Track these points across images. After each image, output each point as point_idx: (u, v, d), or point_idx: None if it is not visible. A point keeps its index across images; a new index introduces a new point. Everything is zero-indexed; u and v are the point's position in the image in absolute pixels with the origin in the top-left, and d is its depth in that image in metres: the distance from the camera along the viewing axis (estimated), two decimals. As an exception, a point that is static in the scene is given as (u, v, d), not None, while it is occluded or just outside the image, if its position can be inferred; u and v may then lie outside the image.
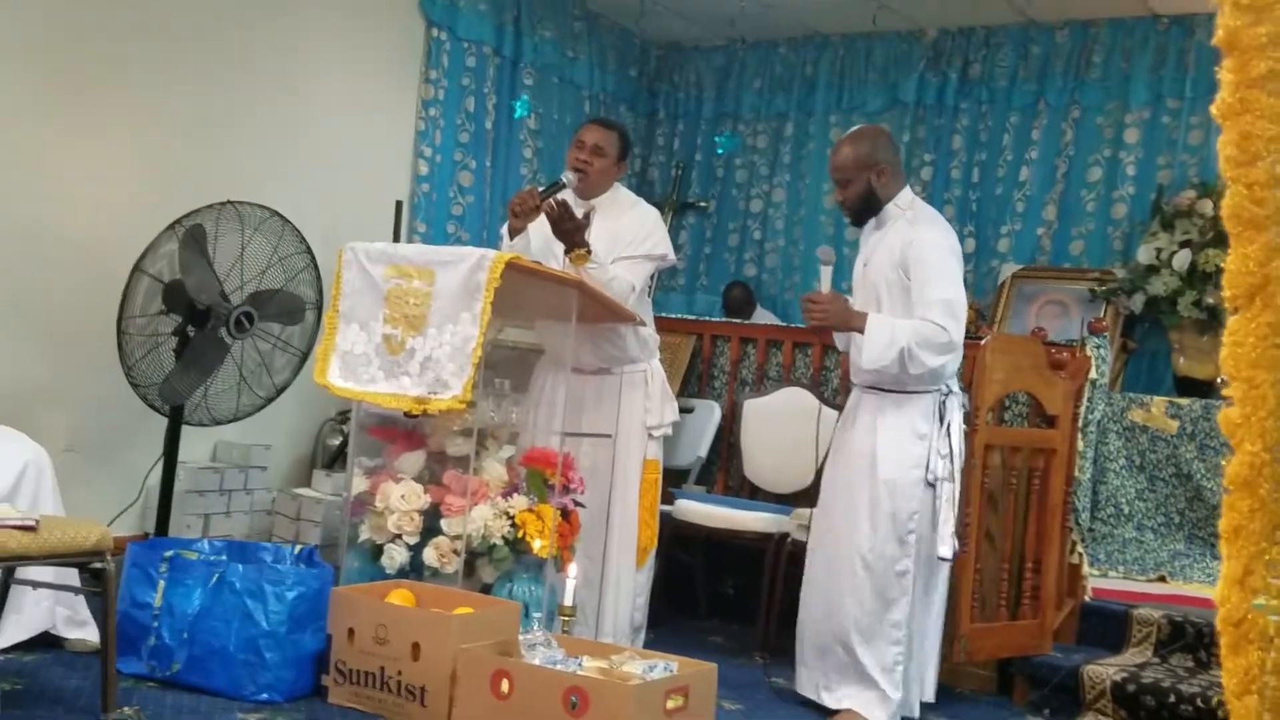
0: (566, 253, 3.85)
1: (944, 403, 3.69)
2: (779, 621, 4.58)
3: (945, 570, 3.80)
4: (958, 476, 3.72)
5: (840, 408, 4.17)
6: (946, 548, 3.66)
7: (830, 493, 3.87)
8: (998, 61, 6.62)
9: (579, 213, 3.84)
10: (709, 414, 5.38)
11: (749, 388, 5.39)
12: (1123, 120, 6.29)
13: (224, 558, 3.78)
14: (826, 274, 3.73)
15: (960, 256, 3.74)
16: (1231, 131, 1.21)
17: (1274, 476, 1.13)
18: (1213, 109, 1.25)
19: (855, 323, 3.63)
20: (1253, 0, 1.20)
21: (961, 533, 3.92)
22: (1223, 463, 1.19)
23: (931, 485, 3.67)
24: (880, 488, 3.67)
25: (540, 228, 4.00)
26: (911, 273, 3.61)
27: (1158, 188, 6.07)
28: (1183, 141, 6.12)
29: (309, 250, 4.39)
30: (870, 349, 3.56)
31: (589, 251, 3.84)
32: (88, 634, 3.72)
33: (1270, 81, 1.20)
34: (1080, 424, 4.48)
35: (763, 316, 6.79)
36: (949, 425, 3.67)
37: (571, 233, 3.80)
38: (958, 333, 3.59)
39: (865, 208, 3.77)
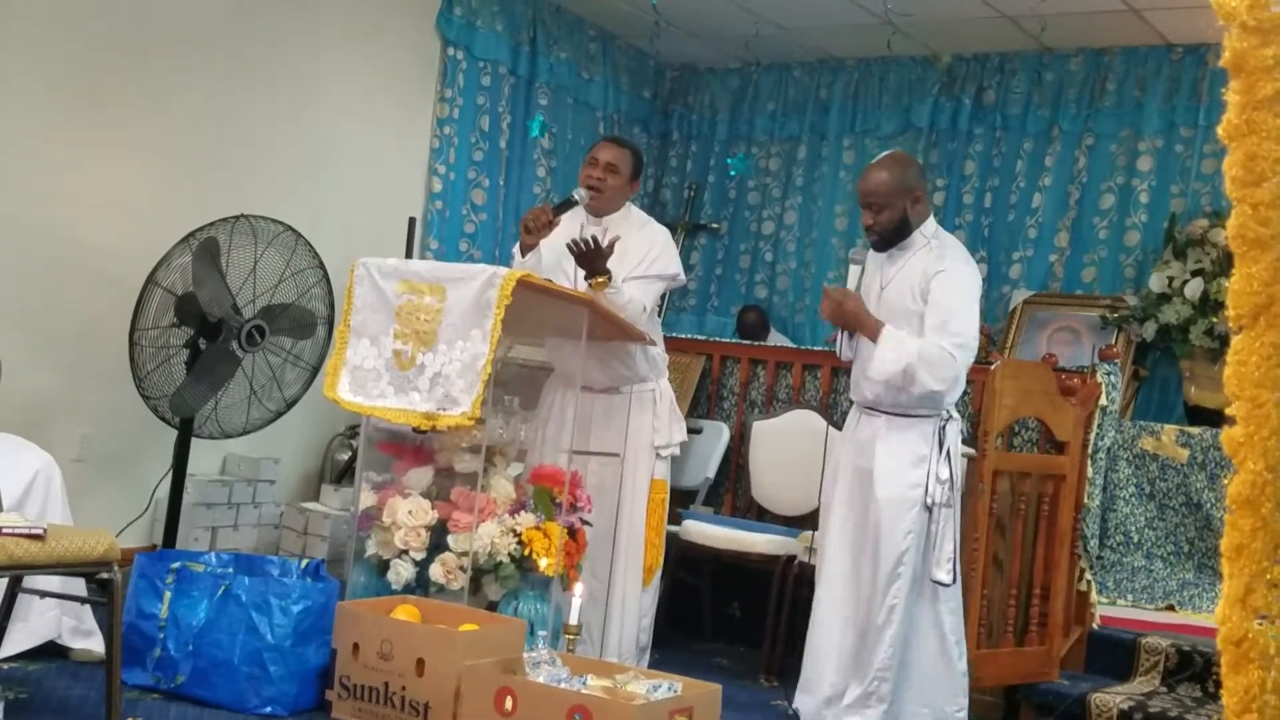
0: (587, 278, 3.86)
1: (943, 428, 3.65)
2: (785, 644, 4.57)
3: (943, 603, 3.70)
4: (957, 503, 3.67)
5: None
6: (944, 573, 3.61)
7: (829, 514, 3.84)
8: (1012, 88, 6.63)
9: (604, 241, 3.85)
10: (718, 435, 5.37)
11: (758, 409, 5.38)
12: (1136, 148, 6.30)
13: (231, 570, 3.79)
14: (854, 274, 3.71)
15: (980, 294, 3.74)
16: (1238, 152, 1.22)
17: (1276, 495, 1.12)
18: (1219, 130, 1.25)
19: (866, 328, 3.63)
20: (1260, 23, 1.20)
21: (968, 558, 3.91)
22: (1225, 482, 1.19)
23: (929, 509, 3.62)
24: (876, 506, 3.63)
25: (552, 244, 4.01)
26: (932, 299, 3.58)
27: (1170, 216, 6.07)
28: (1196, 170, 6.12)
29: (321, 265, 4.41)
30: (878, 360, 3.57)
31: (610, 278, 3.86)
32: (93, 644, 3.72)
33: (1276, 103, 1.20)
34: (1090, 451, 4.46)
35: (776, 340, 6.79)
36: (948, 451, 3.64)
37: (595, 261, 3.82)
38: (964, 364, 3.59)
39: (896, 234, 3.70)
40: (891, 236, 3.71)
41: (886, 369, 3.55)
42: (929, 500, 3.61)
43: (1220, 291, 5.55)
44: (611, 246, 3.85)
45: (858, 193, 3.81)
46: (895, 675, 3.64)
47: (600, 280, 3.84)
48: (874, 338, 3.59)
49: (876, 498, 3.63)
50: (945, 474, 3.62)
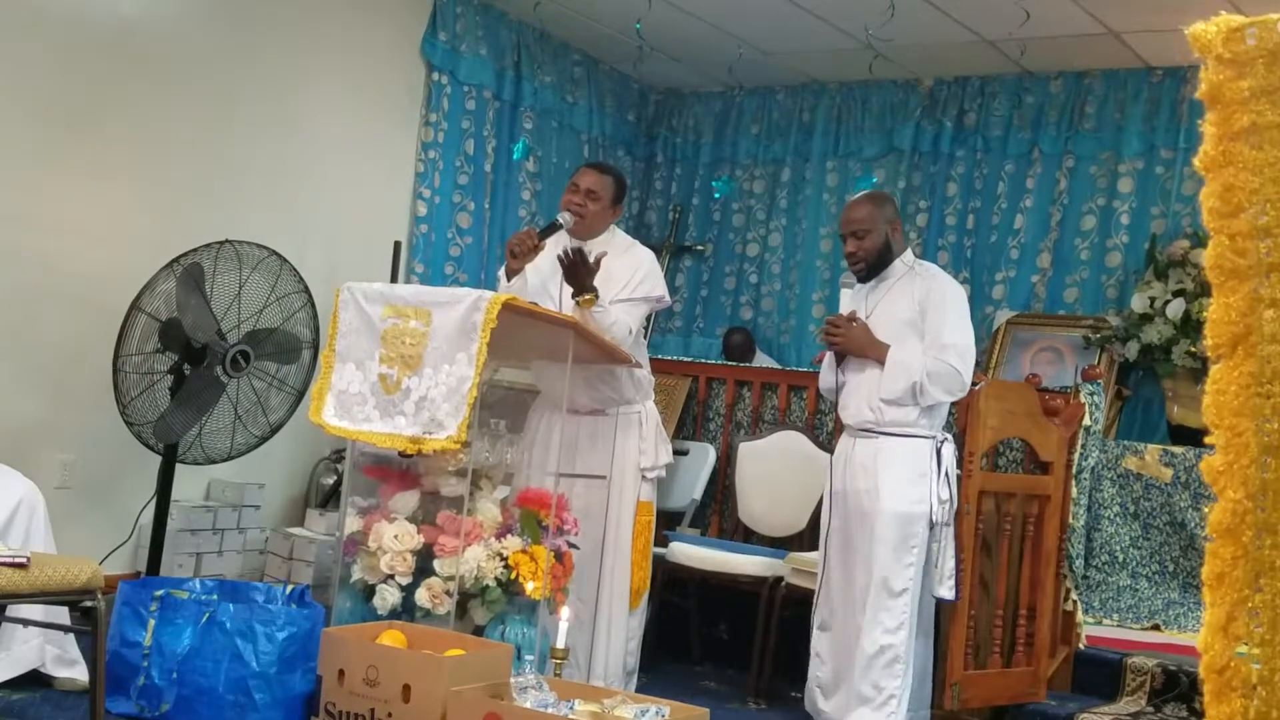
0: (574, 296, 3.87)
1: (939, 449, 3.82)
2: (773, 666, 4.56)
3: (930, 616, 3.87)
4: (952, 522, 3.83)
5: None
6: (947, 589, 3.78)
7: (835, 536, 3.92)
8: (993, 110, 6.68)
9: (590, 258, 3.86)
10: (704, 456, 5.38)
11: (744, 430, 5.39)
12: (1116, 170, 6.34)
13: (215, 597, 3.76)
14: (846, 297, 3.95)
15: (968, 307, 3.99)
16: (1215, 184, 1.23)
17: (1256, 524, 1.14)
18: (1196, 161, 1.27)
19: (873, 352, 3.84)
20: (1236, 55, 1.22)
21: (956, 579, 3.93)
22: (1206, 510, 1.20)
23: (931, 526, 3.76)
24: (884, 518, 3.75)
25: (537, 268, 4.02)
26: (928, 317, 3.83)
27: (1151, 237, 6.11)
28: (1176, 191, 6.17)
29: (306, 289, 4.41)
30: (889, 380, 3.78)
31: (596, 296, 3.86)
32: (77, 673, 3.69)
33: (1253, 135, 1.22)
34: (1074, 471, 4.47)
35: (762, 361, 6.80)
36: (946, 471, 3.80)
37: (583, 277, 3.84)
38: (968, 375, 3.82)
39: (879, 260, 3.94)
40: (876, 264, 3.94)
41: (898, 387, 3.77)
42: (932, 518, 3.76)
43: (1201, 311, 5.58)
44: (598, 262, 3.86)
45: (840, 225, 4.05)
46: (912, 691, 3.77)
47: (587, 298, 3.85)
48: (882, 359, 3.81)
49: (881, 512, 3.76)
50: (945, 494, 3.80)
